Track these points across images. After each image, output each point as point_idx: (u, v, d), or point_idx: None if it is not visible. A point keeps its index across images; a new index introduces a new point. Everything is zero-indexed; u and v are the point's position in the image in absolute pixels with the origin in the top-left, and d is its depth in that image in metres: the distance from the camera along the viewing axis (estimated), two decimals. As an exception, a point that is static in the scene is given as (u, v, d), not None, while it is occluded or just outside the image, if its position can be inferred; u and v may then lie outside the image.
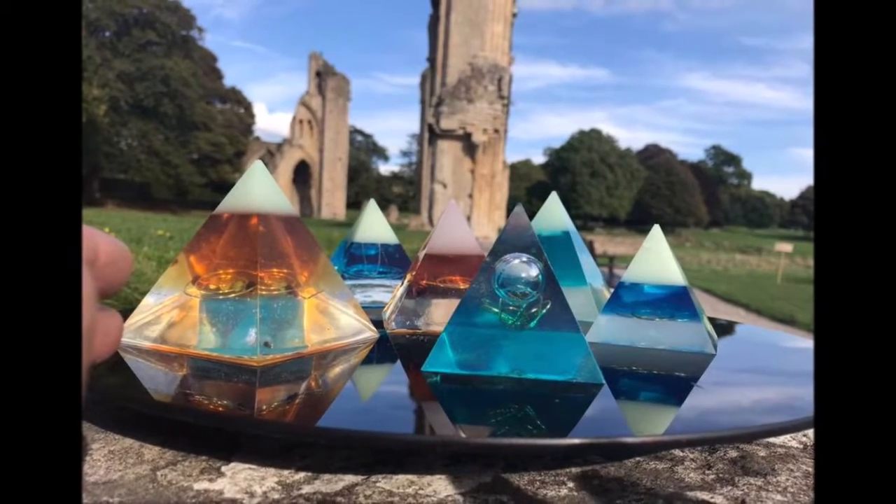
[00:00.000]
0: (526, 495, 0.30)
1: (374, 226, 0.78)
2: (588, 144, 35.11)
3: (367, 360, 0.50)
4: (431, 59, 18.41)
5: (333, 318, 0.52)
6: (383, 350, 0.53)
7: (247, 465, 0.32)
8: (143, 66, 26.28)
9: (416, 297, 0.60)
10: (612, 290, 0.61)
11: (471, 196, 15.50)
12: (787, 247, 11.34)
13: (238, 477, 0.30)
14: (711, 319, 0.66)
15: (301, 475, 0.31)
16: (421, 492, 0.30)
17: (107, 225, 5.92)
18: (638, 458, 0.34)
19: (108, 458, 0.32)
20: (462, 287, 0.59)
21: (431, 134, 16.00)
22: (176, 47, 28.13)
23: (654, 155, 40.39)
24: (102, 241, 0.19)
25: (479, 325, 0.44)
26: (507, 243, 0.44)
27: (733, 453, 0.36)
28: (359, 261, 0.76)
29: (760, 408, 0.42)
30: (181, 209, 26.58)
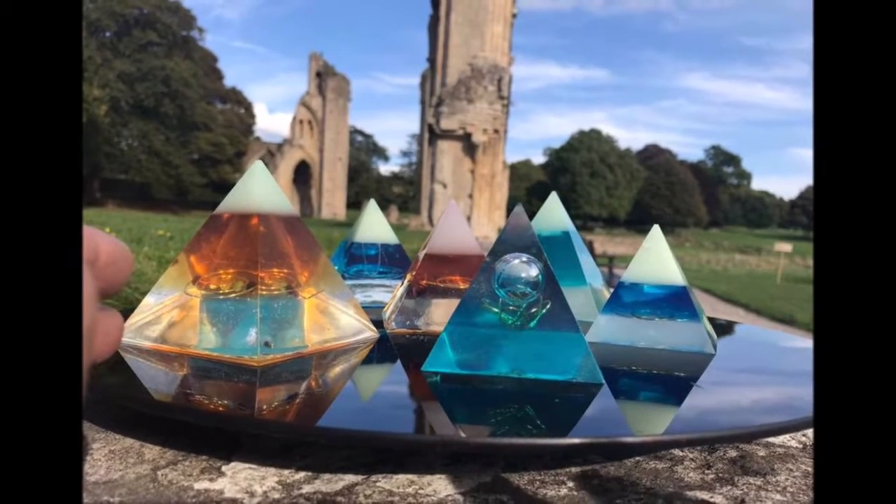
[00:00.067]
0: (526, 495, 0.30)
1: (375, 226, 0.79)
2: (588, 145, 35.10)
3: (368, 360, 0.50)
4: (431, 60, 18.42)
5: (334, 317, 0.52)
6: (383, 350, 0.53)
7: (247, 465, 0.32)
8: (143, 67, 26.28)
9: (416, 297, 0.60)
10: (611, 290, 0.62)
11: (471, 196, 15.50)
12: (786, 247, 11.34)
13: (238, 476, 0.31)
14: (711, 319, 0.66)
15: (301, 475, 0.31)
16: (421, 491, 0.30)
17: (107, 225, 5.92)
18: (638, 458, 0.34)
19: (108, 458, 0.32)
20: (462, 287, 0.59)
21: (431, 134, 16.00)
22: (176, 48, 28.13)
23: (653, 155, 40.38)
24: (103, 241, 0.19)
25: (479, 324, 0.44)
26: (507, 243, 0.44)
27: (733, 453, 0.36)
28: (359, 261, 0.76)
29: (760, 407, 0.42)
30: (182, 209, 26.59)
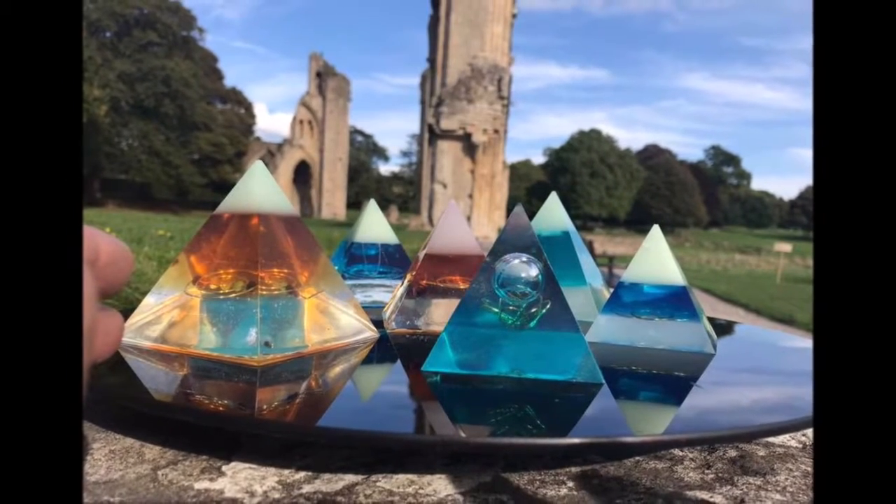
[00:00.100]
0: (526, 495, 0.30)
1: (375, 226, 0.79)
2: (588, 145, 35.11)
3: (368, 360, 0.50)
4: (431, 60, 18.41)
5: (334, 317, 0.52)
6: (383, 350, 0.53)
7: (247, 465, 0.32)
8: (143, 67, 26.28)
9: (416, 297, 0.60)
10: (611, 290, 0.62)
11: (471, 196, 15.50)
12: (786, 247, 11.35)
13: (238, 476, 0.31)
14: (711, 319, 0.67)
15: (301, 475, 0.31)
16: (421, 491, 0.30)
17: (108, 225, 5.92)
18: (637, 458, 0.34)
19: (108, 458, 0.32)
20: (462, 287, 0.59)
21: (431, 134, 16.00)
22: (177, 48, 28.14)
23: (653, 155, 40.38)
24: (103, 241, 0.19)
25: (479, 324, 0.44)
26: (507, 243, 0.44)
27: (732, 453, 0.36)
28: (359, 261, 0.76)
29: (759, 407, 0.42)
30: (182, 209, 26.59)
